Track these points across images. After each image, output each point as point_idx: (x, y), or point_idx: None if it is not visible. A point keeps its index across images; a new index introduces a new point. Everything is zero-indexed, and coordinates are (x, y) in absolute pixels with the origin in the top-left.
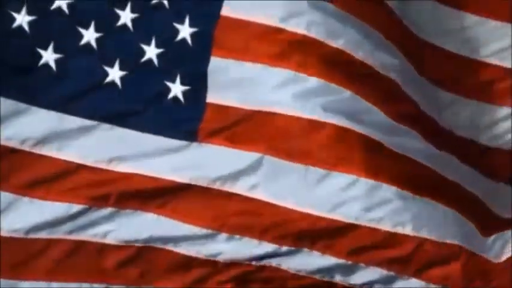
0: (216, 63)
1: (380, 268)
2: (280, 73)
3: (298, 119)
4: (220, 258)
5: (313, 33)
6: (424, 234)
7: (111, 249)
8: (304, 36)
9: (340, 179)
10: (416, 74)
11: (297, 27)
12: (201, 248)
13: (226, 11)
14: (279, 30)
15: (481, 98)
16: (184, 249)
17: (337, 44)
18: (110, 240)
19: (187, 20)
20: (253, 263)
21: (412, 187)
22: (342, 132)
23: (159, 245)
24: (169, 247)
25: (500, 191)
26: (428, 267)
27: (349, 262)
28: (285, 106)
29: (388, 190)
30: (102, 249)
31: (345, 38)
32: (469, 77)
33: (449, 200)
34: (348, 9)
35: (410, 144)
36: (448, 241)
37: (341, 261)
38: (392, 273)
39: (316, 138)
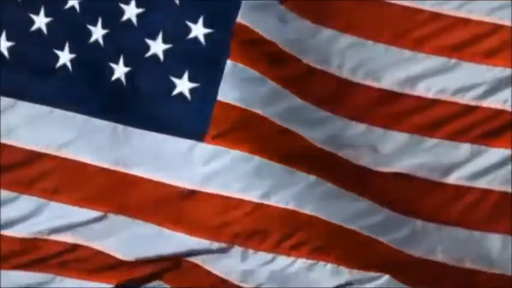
0: (232, 66)
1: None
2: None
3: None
4: (232, 279)
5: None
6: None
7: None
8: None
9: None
10: None
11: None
12: (215, 263)
13: (241, 19)
14: (282, 52)
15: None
16: (199, 261)
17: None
18: (125, 257)
19: (201, 20)
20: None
21: None
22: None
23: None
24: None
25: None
26: None
27: (368, 273)
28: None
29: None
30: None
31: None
32: None
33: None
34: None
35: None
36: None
37: (354, 271)
38: None
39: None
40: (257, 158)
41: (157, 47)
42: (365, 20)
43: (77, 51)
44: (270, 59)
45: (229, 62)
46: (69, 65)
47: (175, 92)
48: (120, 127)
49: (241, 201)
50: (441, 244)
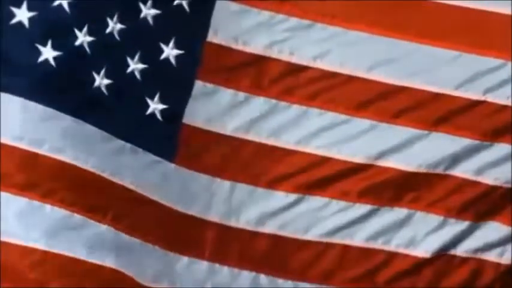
0: (200, 88)
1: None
2: (263, 103)
3: (273, 148)
4: None
5: (295, 59)
6: None
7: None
8: (288, 63)
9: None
10: None
11: (280, 54)
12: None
13: (212, 37)
14: (263, 59)
15: None
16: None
17: (323, 65)
18: (108, 264)
19: (172, 42)
20: None
21: None
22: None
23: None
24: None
25: None
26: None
27: (323, 286)
28: (263, 136)
29: None
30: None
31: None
32: None
33: None
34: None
35: None
36: None
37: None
38: None
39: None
40: (227, 183)
41: (134, 65)
42: (364, 13)
43: (61, 50)
44: (244, 69)
45: (197, 82)
46: (52, 61)
47: (149, 111)
48: (98, 132)
49: (206, 222)
50: None
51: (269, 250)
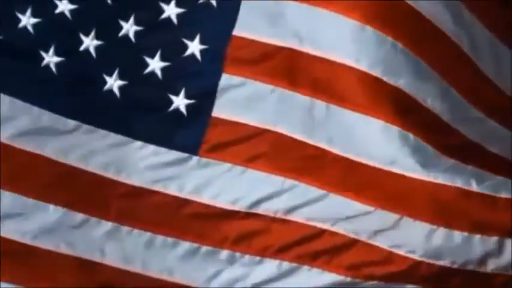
0: (227, 81)
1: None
2: (294, 97)
3: (305, 144)
4: (217, 284)
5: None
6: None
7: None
8: (314, 56)
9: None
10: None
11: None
12: (200, 271)
13: (238, 31)
14: (291, 51)
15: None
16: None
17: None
18: (108, 261)
19: (197, 38)
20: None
21: None
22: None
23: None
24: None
25: None
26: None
27: (348, 278)
28: (291, 127)
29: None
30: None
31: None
32: None
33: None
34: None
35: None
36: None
37: (340, 277)
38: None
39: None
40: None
41: (155, 64)
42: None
43: (65, 56)
44: (266, 61)
45: (224, 76)
46: (53, 67)
47: (172, 108)
48: (112, 135)
49: (233, 212)
50: None
51: (296, 237)
